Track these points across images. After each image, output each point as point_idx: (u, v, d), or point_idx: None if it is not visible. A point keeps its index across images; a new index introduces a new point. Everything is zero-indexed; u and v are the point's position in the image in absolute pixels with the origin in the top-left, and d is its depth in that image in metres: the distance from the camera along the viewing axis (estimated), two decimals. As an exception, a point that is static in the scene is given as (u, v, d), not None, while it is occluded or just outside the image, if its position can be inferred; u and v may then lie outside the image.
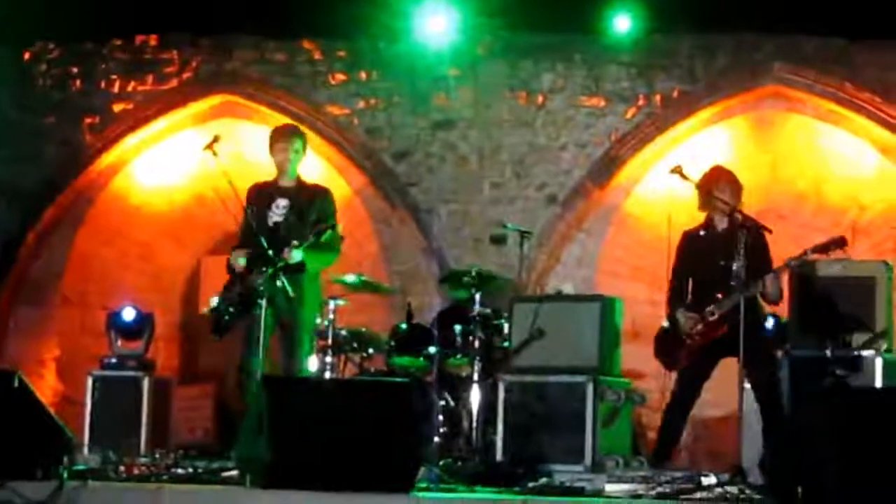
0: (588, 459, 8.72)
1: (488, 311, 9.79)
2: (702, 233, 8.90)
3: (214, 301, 9.00)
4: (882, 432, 6.64)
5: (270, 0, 11.99)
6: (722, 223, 8.79)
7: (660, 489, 7.43)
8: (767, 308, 8.91)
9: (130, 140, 13.21)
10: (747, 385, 8.49)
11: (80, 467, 7.59)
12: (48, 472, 7.18)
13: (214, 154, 8.90)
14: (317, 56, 12.94)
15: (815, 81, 11.97)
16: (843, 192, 12.17)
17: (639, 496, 7.36)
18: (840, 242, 8.41)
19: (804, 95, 12.10)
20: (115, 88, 13.14)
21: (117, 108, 13.14)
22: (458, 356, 9.92)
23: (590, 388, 8.85)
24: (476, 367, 9.56)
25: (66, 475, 7.07)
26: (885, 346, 8.86)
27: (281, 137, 9.29)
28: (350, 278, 10.13)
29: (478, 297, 9.71)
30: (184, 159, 12.92)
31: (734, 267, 8.47)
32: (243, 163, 11.66)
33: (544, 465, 8.33)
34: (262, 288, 8.65)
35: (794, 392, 8.76)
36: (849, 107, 11.96)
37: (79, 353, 12.69)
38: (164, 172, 13.26)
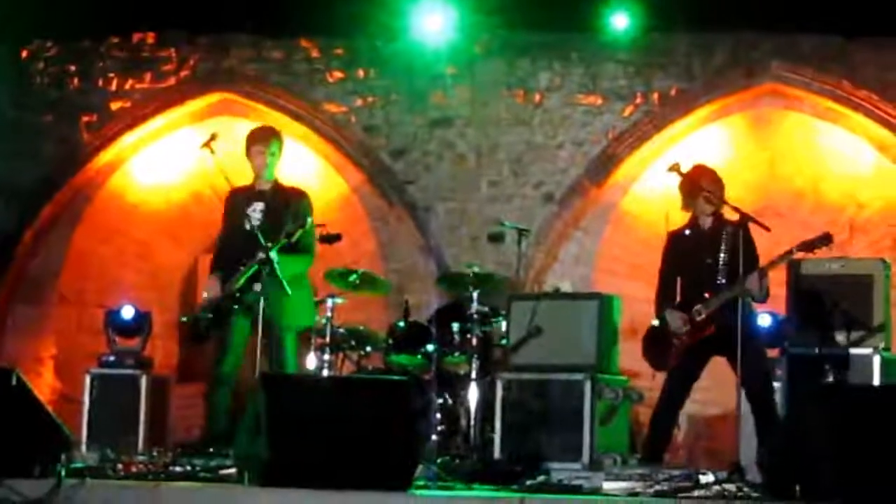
0: (586, 457, 8.72)
1: (486, 309, 9.80)
2: (687, 232, 8.90)
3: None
4: (879, 430, 6.65)
5: (268, -2, 12.02)
6: (707, 221, 8.79)
7: (658, 487, 7.42)
8: (757, 307, 8.89)
9: (128, 138, 13.21)
10: (744, 383, 8.48)
11: (78, 465, 7.58)
12: (46, 470, 7.17)
13: (212, 152, 8.89)
14: (314, 54, 12.94)
15: (813, 79, 11.97)
16: (841, 190, 12.17)
17: (636, 494, 7.35)
18: (826, 239, 8.40)
19: (802, 93, 12.11)
20: (113, 86, 13.14)
21: (115, 106, 13.13)
22: (456, 354, 9.93)
23: (587, 386, 8.85)
24: (474, 365, 9.57)
25: (63, 473, 7.06)
26: (882, 344, 8.86)
27: (258, 140, 9.21)
28: (346, 277, 10.13)
29: (475, 295, 9.72)
30: (181, 157, 12.93)
31: (720, 265, 8.48)
32: (240, 161, 11.64)
33: (543, 463, 8.32)
34: (238, 294, 8.67)
35: (792, 390, 8.76)
36: (846, 105, 11.97)
37: (76, 351, 12.69)
38: (162, 170, 13.26)
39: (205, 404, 9.20)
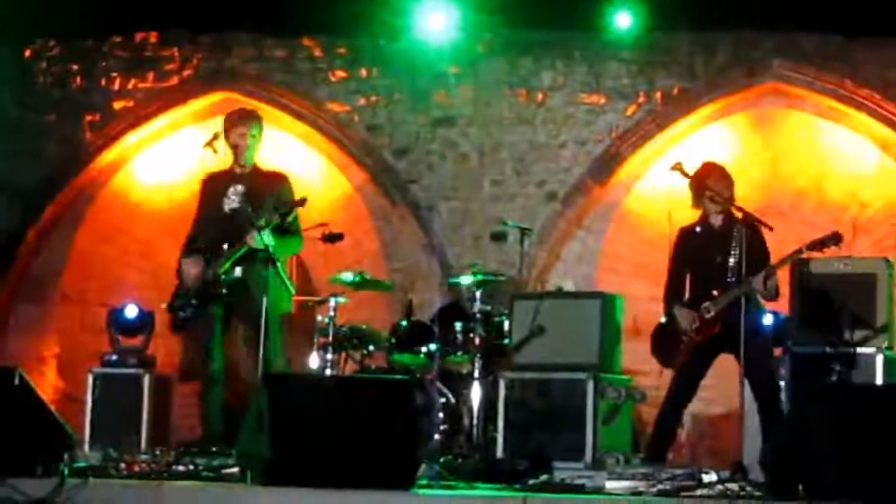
0: (588, 456, 8.72)
1: (489, 308, 9.80)
2: (697, 229, 8.89)
3: (178, 301, 8.90)
4: (883, 429, 6.64)
5: (271, -3, 12.02)
6: (717, 219, 8.78)
7: (660, 486, 7.42)
8: (766, 304, 8.90)
9: (131, 137, 13.21)
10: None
11: (81, 464, 7.58)
12: (49, 470, 7.17)
13: (215, 151, 8.89)
14: (317, 53, 12.94)
15: (815, 78, 11.97)
16: (843, 189, 12.16)
17: (639, 493, 7.35)
18: (835, 239, 8.40)
19: (804, 92, 12.10)
20: (116, 86, 13.15)
21: (118, 105, 13.14)
22: (459, 353, 9.93)
23: (590, 386, 8.85)
24: (476, 364, 9.57)
25: (66, 472, 7.06)
26: (885, 343, 8.85)
27: (239, 121, 9.09)
28: (349, 276, 10.13)
29: (478, 294, 9.72)
30: (184, 156, 12.92)
31: (730, 263, 8.47)
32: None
33: (550, 461, 8.32)
34: (222, 278, 8.61)
35: (795, 389, 8.76)
36: (849, 103, 11.97)
37: (79, 350, 12.69)
38: (165, 170, 13.25)
39: (199, 404, 9.12)
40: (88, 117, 13.15)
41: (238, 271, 8.62)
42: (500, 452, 8.99)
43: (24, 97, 13.24)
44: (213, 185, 9.06)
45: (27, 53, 13.29)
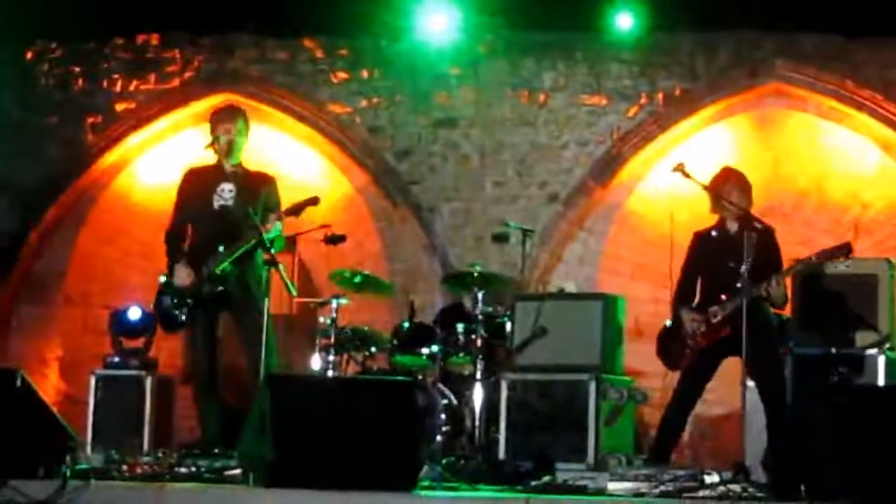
0: (591, 458, 8.73)
1: (490, 309, 9.80)
2: (713, 234, 8.87)
3: (167, 300, 8.84)
4: (884, 430, 6.64)
5: (272, -1, 12.02)
6: (733, 225, 8.75)
7: (663, 488, 7.42)
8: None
9: (133, 139, 13.22)
10: (750, 383, 8.46)
11: (83, 466, 7.57)
12: (51, 472, 7.17)
13: (216, 153, 8.88)
14: (318, 54, 12.94)
15: (816, 79, 11.97)
16: (845, 190, 12.16)
17: (641, 495, 7.36)
18: (846, 249, 8.36)
19: (805, 93, 12.10)
20: (118, 88, 13.15)
21: (119, 107, 13.15)
22: (461, 355, 9.92)
23: (592, 387, 8.86)
24: (478, 366, 9.56)
25: (68, 474, 7.06)
26: (887, 344, 8.85)
27: (224, 117, 9.00)
28: (350, 274, 10.13)
29: (480, 295, 9.72)
30: (186, 158, 12.91)
31: (742, 269, 8.43)
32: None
33: (551, 462, 8.32)
34: (223, 273, 8.58)
35: (797, 390, 8.76)
36: (850, 104, 11.97)
37: (81, 352, 12.69)
38: (167, 171, 13.23)
39: (196, 406, 9.08)
40: (90, 119, 13.15)
41: (235, 271, 8.59)
42: (502, 454, 8.99)
43: (25, 99, 13.24)
44: (200, 180, 8.93)
45: (29, 55, 13.29)
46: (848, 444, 6.66)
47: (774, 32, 11.97)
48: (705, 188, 8.71)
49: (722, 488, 7.36)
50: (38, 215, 13.12)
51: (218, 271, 8.64)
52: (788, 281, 8.87)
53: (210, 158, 9.00)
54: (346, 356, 10.19)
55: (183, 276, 8.77)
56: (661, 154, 12.33)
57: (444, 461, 8.35)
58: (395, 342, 10.11)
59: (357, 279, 10.15)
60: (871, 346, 8.86)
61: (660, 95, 12.31)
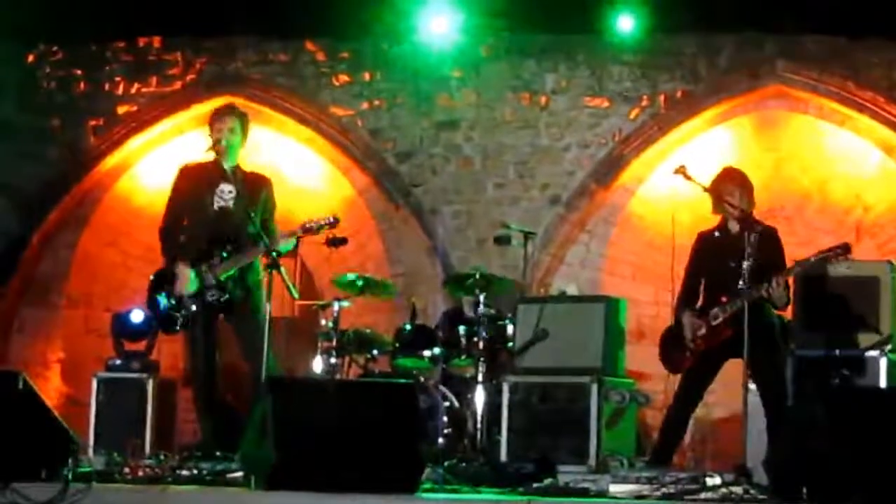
0: (592, 460, 8.72)
1: (492, 312, 9.79)
2: (716, 234, 8.83)
3: (163, 299, 8.76)
4: (887, 432, 6.64)
5: (273, 2, 11.99)
6: (735, 226, 8.71)
7: (664, 490, 7.42)
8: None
9: (134, 142, 13.23)
10: (752, 386, 8.46)
11: (85, 469, 7.56)
12: (53, 474, 7.16)
13: (217, 154, 8.86)
14: (320, 57, 12.95)
15: (818, 81, 11.96)
16: (847, 192, 12.16)
17: (643, 497, 7.35)
18: (844, 249, 8.34)
19: (807, 95, 12.10)
20: (119, 90, 13.17)
21: (121, 110, 13.16)
22: (463, 357, 9.92)
23: (594, 389, 8.85)
24: (480, 368, 9.56)
25: (70, 477, 7.06)
26: (889, 346, 8.84)
27: (220, 116, 8.94)
28: (352, 277, 10.13)
29: (482, 298, 9.72)
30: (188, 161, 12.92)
31: (744, 270, 8.41)
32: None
33: (552, 465, 8.31)
34: (227, 277, 8.55)
35: (799, 392, 8.75)
36: (852, 106, 11.96)
37: (83, 354, 12.70)
38: (168, 174, 13.20)
39: (197, 410, 9.04)
40: (92, 122, 13.17)
41: (235, 273, 8.58)
42: (503, 456, 8.98)
43: (27, 101, 13.26)
44: (198, 179, 8.87)
45: (30, 58, 13.30)
46: (850, 446, 6.65)
47: (776, 34, 11.97)
48: (706, 189, 8.69)
49: (724, 490, 7.36)
50: (40, 218, 13.13)
51: (223, 279, 8.61)
52: (791, 283, 8.86)
53: (207, 157, 8.92)
54: (347, 359, 10.20)
55: (187, 278, 8.67)
56: (662, 156, 12.33)
57: (445, 463, 8.33)
58: (396, 345, 10.12)
59: (360, 283, 10.16)
60: (873, 347, 8.84)
61: (661, 97, 12.31)
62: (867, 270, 9.09)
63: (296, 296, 8.65)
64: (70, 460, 7.28)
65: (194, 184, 8.88)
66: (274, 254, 8.31)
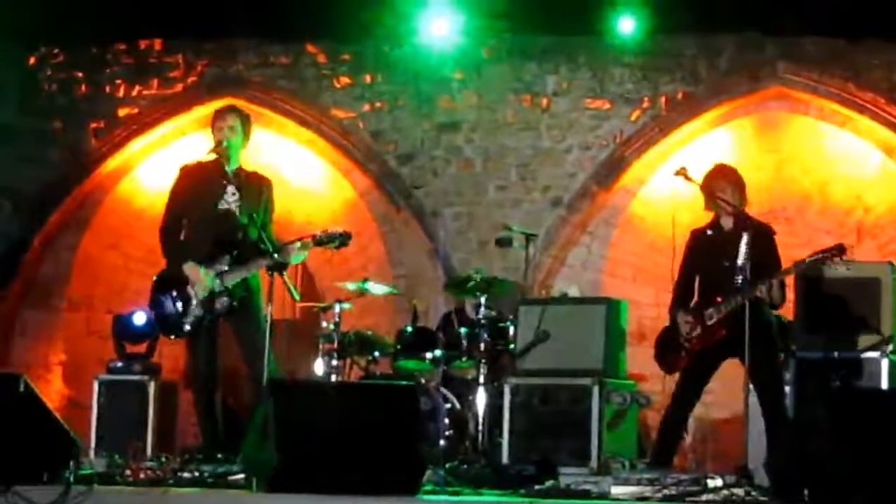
0: (594, 462, 8.73)
1: (494, 313, 9.80)
2: (709, 232, 8.78)
3: (169, 303, 8.71)
4: (888, 434, 6.63)
5: (274, 4, 11.99)
6: (728, 222, 8.69)
7: (666, 492, 7.42)
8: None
9: (135, 144, 13.23)
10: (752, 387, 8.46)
11: (87, 471, 7.56)
12: (54, 477, 7.16)
13: (219, 156, 8.85)
14: (321, 59, 12.95)
15: (819, 82, 11.96)
16: (847, 193, 12.16)
17: (645, 499, 7.35)
18: (840, 250, 8.32)
19: (808, 96, 12.10)
20: (120, 93, 13.17)
21: (122, 112, 13.16)
22: (464, 359, 9.92)
23: (595, 391, 8.87)
24: (482, 370, 9.56)
25: (71, 479, 7.06)
26: (890, 348, 8.84)
27: (222, 115, 8.92)
28: (353, 286, 10.15)
29: (483, 299, 9.72)
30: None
31: (737, 268, 8.40)
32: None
33: (554, 467, 8.31)
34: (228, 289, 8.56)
35: (800, 393, 8.75)
36: (853, 107, 11.96)
37: (85, 356, 12.71)
38: (169, 176, 13.22)
39: (196, 412, 9.04)
40: (93, 124, 13.17)
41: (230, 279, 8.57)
42: (505, 458, 8.99)
43: (28, 104, 13.26)
44: (200, 179, 8.82)
45: (32, 60, 13.31)
46: (851, 447, 6.65)
47: (777, 36, 11.97)
48: (699, 186, 8.64)
49: (725, 492, 7.36)
50: (41, 220, 13.14)
51: (230, 286, 8.59)
52: (791, 284, 8.86)
53: (208, 158, 8.88)
54: (349, 361, 10.21)
55: (202, 278, 8.57)
56: (663, 158, 12.33)
57: (447, 465, 8.33)
58: (398, 346, 10.12)
59: (363, 287, 10.17)
60: (874, 349, 8.85)
61: (662, 99, 12.31)
62: (868, 272, 9.09)
63: (297, 298, 8.66)
64: (71, 463, 7.27)
65: (196, 184, 8.84)
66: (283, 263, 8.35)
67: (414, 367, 10.07)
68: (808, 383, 8.76)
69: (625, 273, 12.35)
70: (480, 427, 9.42)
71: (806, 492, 6.79)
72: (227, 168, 8.78)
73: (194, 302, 8.59)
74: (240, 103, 12.71)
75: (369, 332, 10.36)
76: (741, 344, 8.06)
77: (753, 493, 7.28)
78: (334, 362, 9.87)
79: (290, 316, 12.24)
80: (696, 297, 8.73)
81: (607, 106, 12.45)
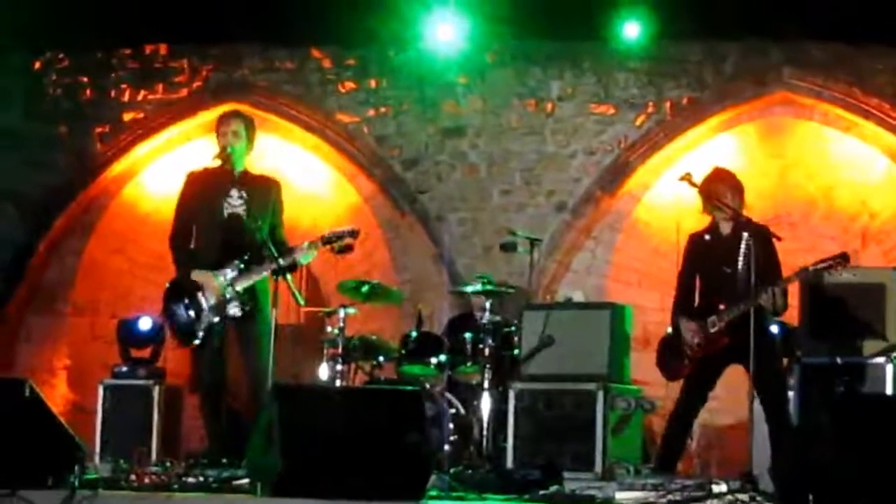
0: (598, 467, 8.73)
1: (498, 318, 9.80)
2: (707, 237, 8.75)
3: (182, 311, 8.73)
4: (892, 440, 6.63)
5: (279, 9, 12.00)
6: (726, 227, 8.65)
7: (670, 497, 7.42)
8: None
9: (141, 149, 13.24)
10: (757, 392, 8.46)
11: (91, 476, 7.58)
12: (59, 481, 7.17)
13: (224, 163, 8.86)
14: (326, 64, 12.96)
15: (824, 87, 11.96)
16: (852, 199, 12.16)
17: (649, 504, 7.37)
18: (843, 259, 8.31)
19: (813, 102, 12.10)
20: (126, 98, 13.18)
21: (127, 117, 13.17)
22: (469, 364, 9.92)
23: (600, 396, 8.86)
24: (486, 375, 9.56)
25: (76, 484, 7.07)
26: (895, 353, 8.83)
27: (226, 119, 8.97)
28: (358, 285, 10.14)
29: (488, 304, 9.72)
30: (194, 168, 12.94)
31: (738, 274, 8.38)
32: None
33: (559, 472, 8.30)
34: (240, 290, 8.53)
35: (805, 399, 8.75)
36: (857, 113, 11.96)
37: (90, 361, 12.71)
38: (175, 181, 13.22)
39: (202, 416, 9.04)
40: (98, 129, 13.18)
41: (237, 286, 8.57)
42: (510, 463, 8.99)
43: (34, 109, 13.27)
44: (206, 185, 8.85)
45: (37, 65, 13.33)
46: (855, 453, 6.65)
47: (781, 41, 11.97)
48: (698, 189, 8.62)
49: (730, 498, 7.37)
50: (46, 225, 13.15)
51: (241, 290, 8.59)
52: (796, 290, 8.86)
53: (214, 163, 8.92)
54: (353, 366, 10.21)
55: (216, 285, 8.60)
56: (668, 163, 12.34)
57: (451, 470, 8.35)
58: (402, 351, 10.11)
59: (365, 289, 10.16)
60: (879, 354, 8.84)
61: (667, 104, 12.31)
62: (873, 277, 9.09)
63: (302, 303, 8.67)
64: (76, 467, 7.29)
65: (202, 190, 8.87)
66: (289, 266, 8.35)
67: (419, 371, 10.08)
68: (813, 389, 8.75)
69: (629, 278, 12.35)
70: (485, 432, 9.43)
71: (811, 497, 6.78)
72: (232, 173, 8.79)
73: (206, 309, 8.60)
74: (245, 108, 12.76)
75: (374, 337, 10.37)
76: (744, 351, 8.06)
77: (758, 498, 7.28)
78: (339, 367, 9.88)
79: (294, 321, 12.23)
80: (697, 302, 8.72)
81: (612, 111, 12.46)
